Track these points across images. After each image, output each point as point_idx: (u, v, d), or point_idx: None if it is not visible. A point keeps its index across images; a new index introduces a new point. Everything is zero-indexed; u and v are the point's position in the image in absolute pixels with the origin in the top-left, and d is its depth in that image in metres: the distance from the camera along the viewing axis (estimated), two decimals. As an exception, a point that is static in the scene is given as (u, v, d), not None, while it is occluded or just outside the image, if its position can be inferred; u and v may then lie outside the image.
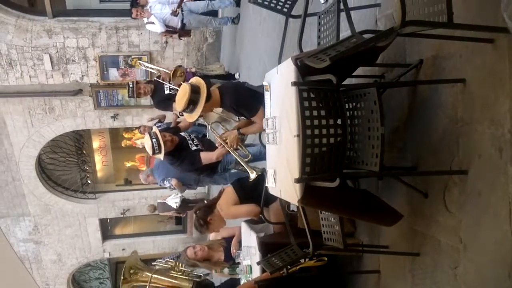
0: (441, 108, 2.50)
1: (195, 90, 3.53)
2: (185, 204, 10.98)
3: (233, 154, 4.05)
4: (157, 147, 4.31)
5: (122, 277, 5.08)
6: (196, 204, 10.76)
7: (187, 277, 4.98)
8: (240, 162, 3.95)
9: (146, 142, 4.37)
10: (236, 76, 8.73)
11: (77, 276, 13.53)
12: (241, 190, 3.95)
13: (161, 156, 4.44)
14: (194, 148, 4.55)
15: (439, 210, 2.52)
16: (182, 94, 3.55)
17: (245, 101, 3.62)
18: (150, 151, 4.35)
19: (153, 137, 4.30)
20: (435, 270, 2.60)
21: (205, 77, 8.31)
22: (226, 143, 3.96)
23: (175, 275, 5.04)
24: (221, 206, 3.95)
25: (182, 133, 4.71)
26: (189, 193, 11.82)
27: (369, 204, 2.69)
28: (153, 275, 4.91)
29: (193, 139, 4.66)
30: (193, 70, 8.77)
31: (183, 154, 4.54)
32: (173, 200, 10.81)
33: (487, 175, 2.18)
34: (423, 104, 2.67)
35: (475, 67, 2.27)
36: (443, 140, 2.49)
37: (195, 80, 3.70)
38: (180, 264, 5.07)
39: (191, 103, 3.53)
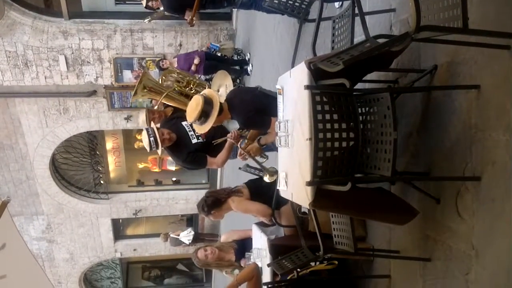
0: (455, 114, 2.49)
1: (208, 102, 3.57)
2: (196, 238, 11.36)
3: (255, 161, 4.12)
4: (154, 145, 4.39)
5: (134, 93, 5.21)
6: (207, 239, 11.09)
7: None
8: (260, 167, 4.01)
9: (143, 138, 4.46)
10: (247, 57, 8.78)
11: (88, 275, 13.66)
12: (254, 189, 4.04)
13: (158, 152, 4.52)
14: (194, 141, 4.54)
15: (451, 216, 2.51)
16: (195, 105, 3.58)
17: (255, 121, 3.66)
18: (147, 148, 4.44)
19: (151, 134, 4.38)
20: (446, 276, 2.59)
21: (214, 59, 8.44)
22: (250, 154, 4.02)
23: (190, 94, 5.14)
24: (233, 198, 4.03)
25: (183, 123, 4.70)
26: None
27: (383, 203, 2.68)
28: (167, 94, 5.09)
29: (194, 129, 4.65)
30: (204, 49, 8.88)
31: (184, 153, 4.57)
32: (186, 237, 11.22)
33: (501, 182, 2.16)
34: (437, 110, 2.66)
35: (490, 74, 2.26)
36: (457, 146, 2.48)
37: (207, 92, 3.72)
38: (196, 81, 5.15)
39: (203, 115, 3.57)
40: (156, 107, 5.23)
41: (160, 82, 5.58)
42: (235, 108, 3.70)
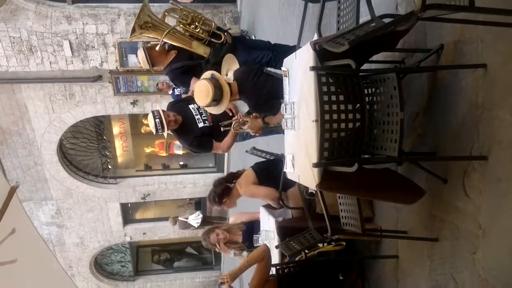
0: (462, 94, 2.48)
1: (217, 86, 3.56)
2: (205, 221, 11.47)
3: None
4: (160, 127, 4.33)
5: (132, 31, 4.81)
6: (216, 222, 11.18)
7: (203, 36, 4.84)
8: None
9: (149, 121, 4.42)
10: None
11: (99, 259, 13.83)
12: (260, 173, 4.05)
13: (164, 134, 4.47)
14: (201, 125, 4.52)
15: (458, 196, 2.51)
16: (205, 93, 3.56)
17: (265, 104, 3.67)
18: (153, 130, 4.40)
19: (157, 116, 4.33)
20: (453, 256, 2.60)
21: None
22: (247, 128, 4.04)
23: (193, 34, 4.86)
24: (241, 183, 4.07)
25: (190, 106, 4.61)
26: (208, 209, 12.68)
27: (390, 183, 2.68)
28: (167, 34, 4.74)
29: (201, 112, 4.57)
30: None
31: (190, 137, 4.55)
32: (195, 220, 11.29)
33: (507, 162, 2.16)
34: (443, 89, 2.65)
35: (497, 52, 2.24)
36: (463, 126, 2.47)
37: (217, 76, 3.68)
38: (202, 17, 4.85)
39: (214, 102, 3.59)
40: (158, 48, 4.80)
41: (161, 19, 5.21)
42: (247, 91, 3.68)
